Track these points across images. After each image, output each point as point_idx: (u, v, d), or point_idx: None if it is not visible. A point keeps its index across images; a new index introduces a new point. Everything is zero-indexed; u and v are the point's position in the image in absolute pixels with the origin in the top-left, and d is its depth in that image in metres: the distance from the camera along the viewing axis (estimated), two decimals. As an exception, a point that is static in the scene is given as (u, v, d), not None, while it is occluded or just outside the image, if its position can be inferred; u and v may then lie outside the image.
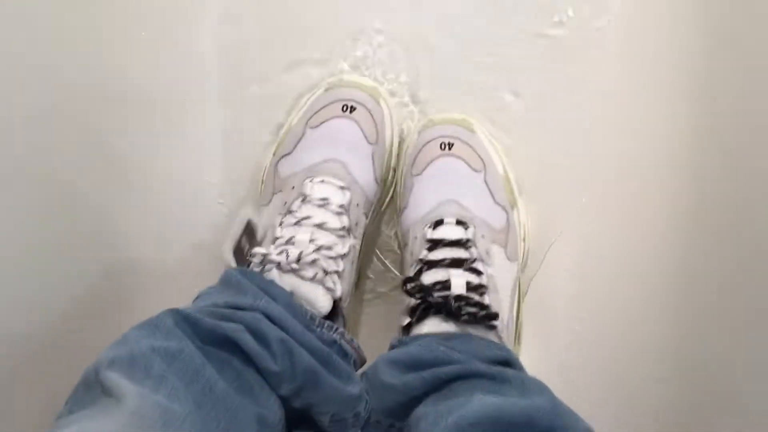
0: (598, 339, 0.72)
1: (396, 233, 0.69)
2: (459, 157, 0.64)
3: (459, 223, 0.61)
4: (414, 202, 0.64)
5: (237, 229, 0.60)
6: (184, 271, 0.72)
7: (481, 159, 0.64)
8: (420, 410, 0.51)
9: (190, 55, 0.69)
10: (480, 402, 0.48)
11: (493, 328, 0.57)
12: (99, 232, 0.71)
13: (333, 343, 0.56)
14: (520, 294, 0.65)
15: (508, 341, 0.61)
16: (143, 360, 0.44)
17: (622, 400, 0.72)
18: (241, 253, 0.59)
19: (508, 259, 0.63)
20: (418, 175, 0.64)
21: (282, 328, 0.52)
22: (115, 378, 0.42)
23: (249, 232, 0.60)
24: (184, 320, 0.49)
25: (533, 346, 0.69)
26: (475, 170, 0.64)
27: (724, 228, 0.67)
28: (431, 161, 0.64)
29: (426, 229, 0.61)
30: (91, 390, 0.43)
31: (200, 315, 0.50)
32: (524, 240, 0.67)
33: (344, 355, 0.57)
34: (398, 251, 0.69)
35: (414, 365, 0.54)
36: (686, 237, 0.68)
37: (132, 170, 0.71)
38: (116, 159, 0.70)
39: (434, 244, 0.60)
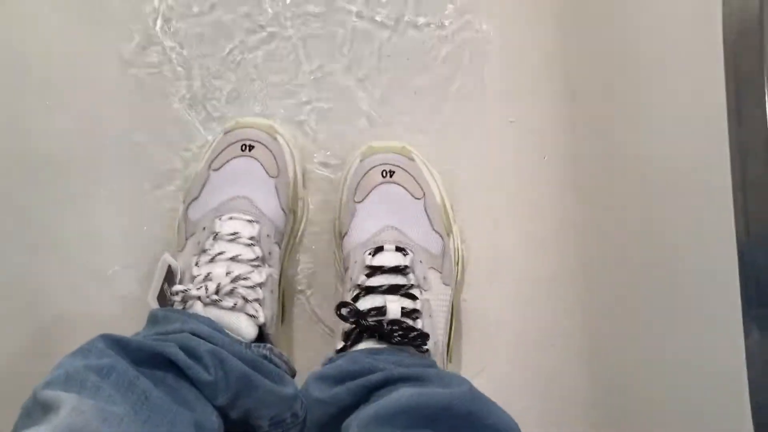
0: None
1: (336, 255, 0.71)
2: (400, 185, 0.67)
3: (398, 249, 0.63)
4: (355, 228, 0.66)
5: (158, 276, 0.61)
6: (112, 325, 0.73)
7: (421, 187, 0.67)
8: (348, 419, 0.53)
9: (96, 120, 0.73)
10: (399, 394, 0.51)
11: (424, 351, 0.60)
12: (21, 295, 0.73)
13: (263, 357, 0.58)
14: (452, 316, 0.68)
15: (441, 362, 0.63)
16: (78, 376, 0.46)
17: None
18: (164, 299, 0.61)
19: (444, 283, 0.66)
20: (360, 202, 0.66)
21: (211, 342, 0.54)
22: (51, 393, 0.44)
23: (170, 277, 0.62)
24: (115, 343, 0.51)
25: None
26: (416, 198, 0.67)
27: (610, 221, 0.72)
28: (373, 188, 0.66)
29: (365, 255, 0.63)
30: (32, 414, 0.45)
31: (131, 338, 0.52)
32: (458, 264, 0.70)
33: (275, 365, 0.59)
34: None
35: (341, 378, 0.56)
36: (578, 231, 0.74)
37: (48, 232, 0.73)
38: (31, 222, 0.73)
39: (373, 270, 0.62)
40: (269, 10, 0.74)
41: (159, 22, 0.74)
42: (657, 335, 0.70)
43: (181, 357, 0.52)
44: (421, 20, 0.74)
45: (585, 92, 0.74)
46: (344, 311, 0.60)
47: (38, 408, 0.45)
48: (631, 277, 0.71)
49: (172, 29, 0.74)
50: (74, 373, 0.47)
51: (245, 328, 0.59)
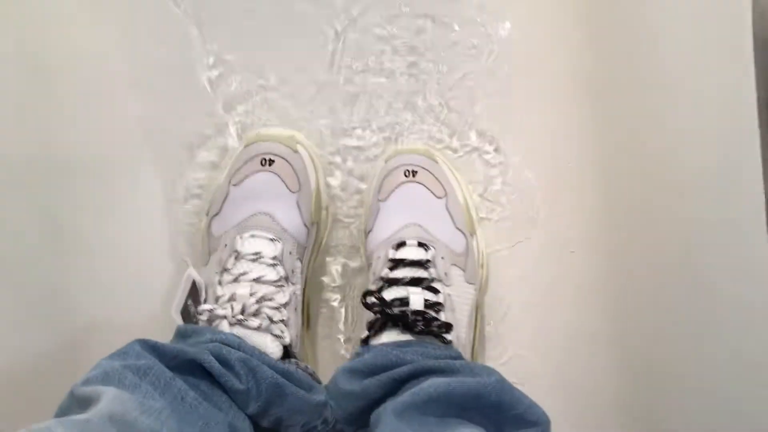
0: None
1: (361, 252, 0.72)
2: (422, 184, 0.67)
3: (420, 245, 0.64)
4: (379, 226, 0.67)
5: (183, 290, 0.61)
6: (140, 333, 0.74)
7: (443, 187, 0.68)
8: (378, 410, 0.53)
9: (124, 123, 0.73)
10: (429, 383, 0.52)
11: (448, 342, 0.60)
12: (52, 301, 0.73)
13: (291, 369, 0.58)
14: (477, 318, 0.68)
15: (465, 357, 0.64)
16: (116, 374, 0.48)
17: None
18: (188, 313, 0.61)
19: (467, 282, 0.66)
20: (383, 200, 0.67)
21: (241, 351, 0.55)
22: (90, 388, 0.45)
23: (194, 292, 0.62)
24: (151, 348, 0.53)
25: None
26: (438, 197, 0.67)
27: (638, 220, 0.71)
28: (396, 187, 0.67)
29: (389, 249, 0.64)
30: (69, 410, 0.46)
31: (166, 344, 0.53)
32: (482, 266, 0.70)
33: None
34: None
35: (370, 371, 0.57)
36: (605, 230, 0.73)
37: (79, 239, 0.73)
38: (62, 229, 0.73)
39: (396, 263, 0.63)
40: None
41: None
42: (687, 334, 0.70)
43: (215, 365, 0.53)
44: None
45: (609, 91, 0.72)
46: (369, 300, 0.61)
47: (76, 403, 0.46)
48: (662, 276, 0.71)
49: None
50: (112, 371, 0.48)
51: (271, 348, 0.60)
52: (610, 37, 0.72)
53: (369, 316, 0.62)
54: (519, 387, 0.54)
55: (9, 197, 0.73)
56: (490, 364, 0.72)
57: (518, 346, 0.74)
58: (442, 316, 0.61)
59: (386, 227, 0.66)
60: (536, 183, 0.73)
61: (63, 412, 0.47)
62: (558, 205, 0.73)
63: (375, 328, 0.61)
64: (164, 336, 0.60)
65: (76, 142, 0.73)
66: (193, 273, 0.62)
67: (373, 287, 0.63)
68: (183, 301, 0.62)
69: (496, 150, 0.73)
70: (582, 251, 0.73)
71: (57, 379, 0.72)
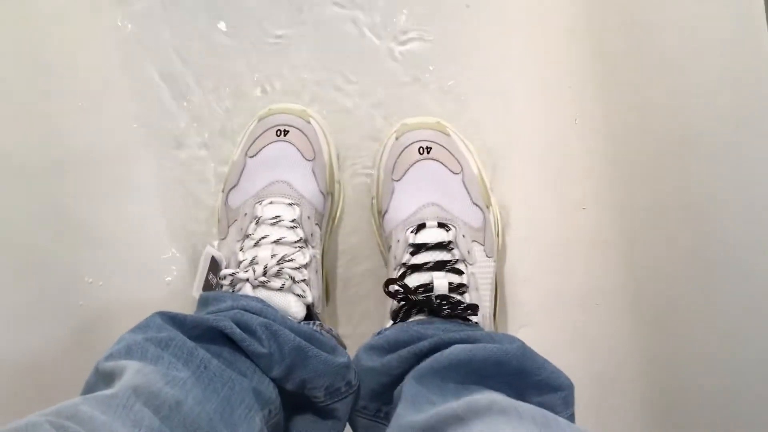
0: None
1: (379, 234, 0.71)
2: (438, 161, 0.66)
3: (440, 225, 0.63)
4: (395, 206, 0.66)
5: (202, 268, 0.62)
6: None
7: (458, 161, 0.67)
8: (401, 384, 0.53)
9: (125, 118, 0.74)
10: (450, 350, 0.52)
11: (474, 324, 0.59)
12: (68, 287, 0.74)
13: (313, 331, 0.58)
14: (496, 288, 0.68)
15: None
16: (138, 348, 0.48)
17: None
18: (210, 288, 0.62)
19: (487, 255, 0.65)
20: (398, 180, 0.66)
21: (263, 317, 0.55)
22: (113, 363, 0.46)
23: (214, 267, 0.63)
24: (171, 319, 0.53)
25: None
26: (454, 172, 0.66)
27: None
28: (411, 165, 0.66)
29: (408, 233, 0.63)
30: (95, 387, 0.46)
31: (186, 315, 0.53)
32: (498, 236, 0.69)
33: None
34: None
35: (392, 347, 0.57)
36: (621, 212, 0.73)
37: (90, 228, 0.74)
38: (73, 218, 0.74)
39: (417, 248, 0.62)
40: None
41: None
42: (700, 284, 0.70)
43: (236, 331, 0.53)
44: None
45: (615, 53, 0.73)
46: (392, 288, 0.60)
47: (101, 378, 0.47)
48: (674, 229, 0.71)
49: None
50: (134, 345, 0.48)
51: (294, 308, 0.60)
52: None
53: (393, 304, 0.61)
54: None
55: (19, 191, 0.74)
56: (510, 332, 0.72)
57: (533, 311, 0.74)
58: (467, 298, 0.61)
59: (403, 208, 0.65)
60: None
61: (89, 387, 0.47)
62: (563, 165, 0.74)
63: (400, 316, 0.60)
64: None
65: (79, 134, 0.75)
66: (211, 250, 0.63)
67: (394, 273, 0.63)
68: (204, 278, 0.62)
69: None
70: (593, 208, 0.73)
71: (73, 366, 0.73)
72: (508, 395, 0.49)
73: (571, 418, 0.53)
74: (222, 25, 0.74)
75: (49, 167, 0.74)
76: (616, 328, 0.73)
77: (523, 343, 0.54)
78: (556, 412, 0.45)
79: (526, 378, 0.52)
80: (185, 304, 0.68)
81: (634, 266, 0.72)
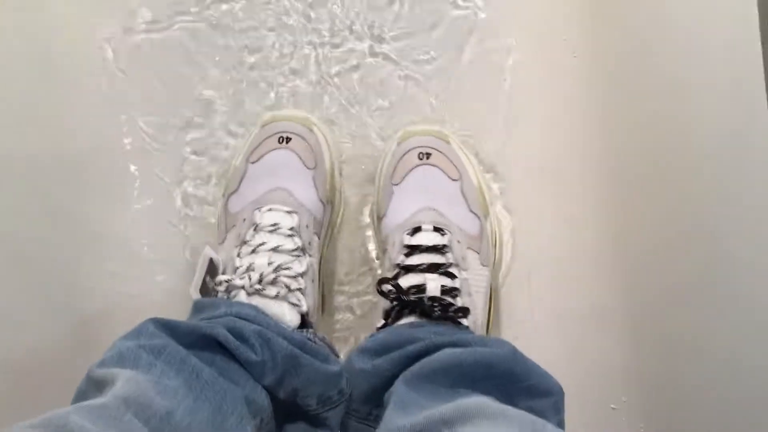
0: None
1: (376, 239, 0.72)
2: (437, 167, 0.67)
3: (436, 229, 0.63)
4: (393, 210, 0.67)
5: (200, 269, 0.62)
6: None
7: (457, 169, 0.68)
8: (392, 387, 0.54)
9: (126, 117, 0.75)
10: (441, 353, 0.52)
11: (465, 327, 0.60)
12: (71, 284, 0.74)
13: (306, 339, 0.59)
14: (491, 298, 0.68)
15: None
16: (131, 355, 0.48)
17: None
18: (206, 291, 0.62)
19: (482, 264, 0.66)
20: (397, 184, 0.67)
21: (257, 324, 0.55)
22: (105, 370, 0.46)
23: (212, 270, 0.63)
24: (164, 326, 0.53)
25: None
26: (452, 179, 0.67)
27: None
28: (410, 170, 0.67)
29: (404, 235, 0.64)
30: (87, 394, 0.46)
31: (179, 321, 0.54)
32: (495, 246, 0.70)
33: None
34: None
35: (383, 350, 0.57)
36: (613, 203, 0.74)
37: (92, 224, 0.75)
38: (74, 216, 0.75)
39: (412, 249, 0.63)
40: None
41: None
42: (702, 302, 0.70)
43: (229, 339, 0.53)
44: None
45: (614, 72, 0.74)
46: (385, 288, 0.60)
47: (93, 386, 0.47)
48: (676, 246, 0.71)
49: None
50: (127, 352, 0.48)
51: (289, 316, 0.60)
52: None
53: (385, 304, 0.62)
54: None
55: (19, 191, 0.75)
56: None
57: (531, 322, 0.74)
58: (459, 301, 0.61)
59: (400, 212, 0.66)
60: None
61: (81, 394, 0.48)
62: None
63: (392, 316, 0.61)
64: (177, 316, 0.61)
65: (79, 134, 0.75)
66: (210, 251, 0.63)
67: (388, 274, 0.63)
68: (201, 280, 0.62)
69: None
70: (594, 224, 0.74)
71: (70, 366, 0.73)
72: (498, 399, 0.50)
73: (560, 424, 0.54)
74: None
75: (49, 167, 0.75)
76: (614, 343, 0.73)
77: (513, 348, 0.54)
78: (545, 418, 0.45)
79: (516, 382, 0.53)
80: (184, 305, 0.68)
81: (634, 283, 0.73)
